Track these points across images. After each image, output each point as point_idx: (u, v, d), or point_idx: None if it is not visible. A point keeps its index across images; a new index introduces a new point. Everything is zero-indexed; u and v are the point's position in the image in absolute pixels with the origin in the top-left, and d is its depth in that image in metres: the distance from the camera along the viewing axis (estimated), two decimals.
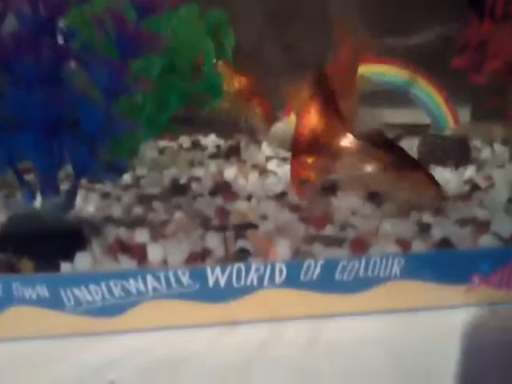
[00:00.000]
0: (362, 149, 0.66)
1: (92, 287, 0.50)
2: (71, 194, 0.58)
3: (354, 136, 0.66)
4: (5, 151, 0.53)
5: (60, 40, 0.51)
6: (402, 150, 0.68)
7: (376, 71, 0.72)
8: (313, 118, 0.69)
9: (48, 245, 0.55)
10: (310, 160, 0.70)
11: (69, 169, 0.58)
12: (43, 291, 0.49)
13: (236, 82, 0.94)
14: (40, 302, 0.50)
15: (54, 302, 0.50)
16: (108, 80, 0.51)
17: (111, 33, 0.50)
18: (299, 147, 0.71)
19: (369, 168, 0.66)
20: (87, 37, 0.51)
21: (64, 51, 0.51)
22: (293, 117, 0.97)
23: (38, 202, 0.57)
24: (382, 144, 0.67)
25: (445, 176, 0.85)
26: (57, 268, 0.53)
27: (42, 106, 0.50)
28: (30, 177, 0.60)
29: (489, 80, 0.60)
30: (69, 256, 0.54)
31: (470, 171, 0.86)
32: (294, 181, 0.73)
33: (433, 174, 0.68)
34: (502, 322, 0.55)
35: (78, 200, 0.63)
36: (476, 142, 0.98)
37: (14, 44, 0.49)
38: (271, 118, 0.97)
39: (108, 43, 0.51)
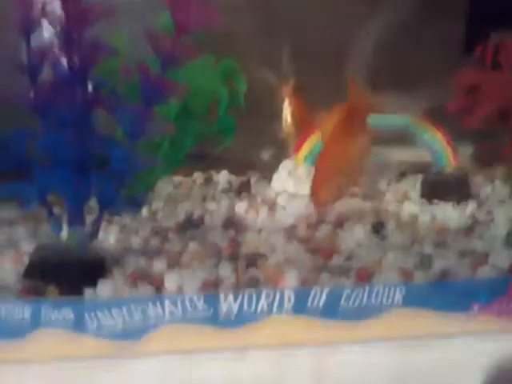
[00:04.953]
0: None
1: (114, 311, 0.53)
2: (96, 226, 0.62)
3: None
4: (38, 187, 0.57)
5: (90, 88, 0.56)
6: None
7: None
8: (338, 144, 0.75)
9: (73, 272, 0.58)
10: (327, 180, 0.76)
11: (93, 202, 0.62)
12: (69, 314, 0.52)
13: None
14: (65, 325, 0.53)
15: (79, 325, 0.53)
16: (132, 123, 0.56)
17: (137, 81, 0.55)
18: (321, 166, 0.77)
19: None
20: (114, 85, 0.57)
21: (93, 98, 0.55)
22: (301, 155, 1.01)
23: (64, 232, 0.61)
24: None
25: (447, 210, 0.89)
26: (81, 294, 0.56)
27: (72, 147, 0.54)
28: (57, 209, 0.64)
29: (484, 125, 0.63)
30: (92, 283, 0.57)
31: (471, 206, 0.89)
32: (312, 193, 0.78)
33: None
34: None
35: (100, 232, 0.67)
36: (478, 180, 1.01)
37: (50, 92, 0.54)
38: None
39: (132, 90, 0.56)
